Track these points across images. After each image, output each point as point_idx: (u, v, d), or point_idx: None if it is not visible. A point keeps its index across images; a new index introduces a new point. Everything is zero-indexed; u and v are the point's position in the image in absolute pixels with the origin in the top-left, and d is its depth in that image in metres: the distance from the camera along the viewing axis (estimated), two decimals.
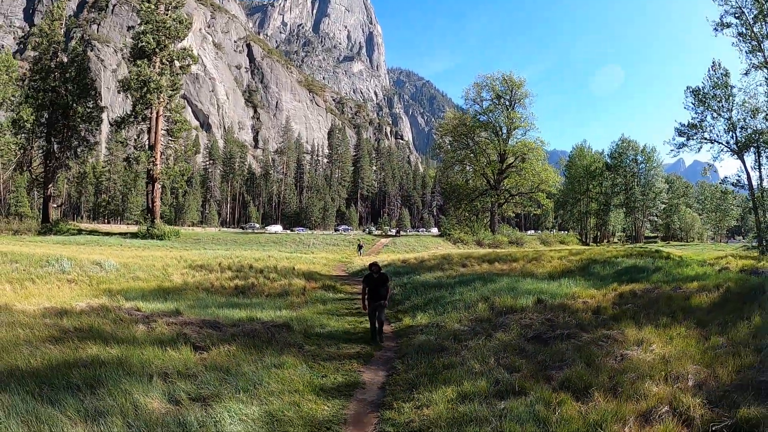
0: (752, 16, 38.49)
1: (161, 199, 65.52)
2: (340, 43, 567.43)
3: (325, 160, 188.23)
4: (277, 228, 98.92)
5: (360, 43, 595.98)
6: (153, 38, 54.80)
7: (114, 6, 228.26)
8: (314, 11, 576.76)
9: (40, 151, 61.46)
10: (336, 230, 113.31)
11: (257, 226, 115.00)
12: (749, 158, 42.31)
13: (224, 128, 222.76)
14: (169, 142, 60.25)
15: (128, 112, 57.76)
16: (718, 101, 43.42)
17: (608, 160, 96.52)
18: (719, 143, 43.44)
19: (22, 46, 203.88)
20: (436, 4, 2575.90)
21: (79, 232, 59.76)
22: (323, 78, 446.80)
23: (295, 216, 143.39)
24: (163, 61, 57.27)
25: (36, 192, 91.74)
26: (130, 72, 56.19)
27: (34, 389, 6.43)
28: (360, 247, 55.80)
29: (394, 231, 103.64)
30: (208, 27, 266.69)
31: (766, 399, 6.03)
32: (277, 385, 7.74)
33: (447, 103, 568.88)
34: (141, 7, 56.62)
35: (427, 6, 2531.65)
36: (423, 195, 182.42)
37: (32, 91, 58.28)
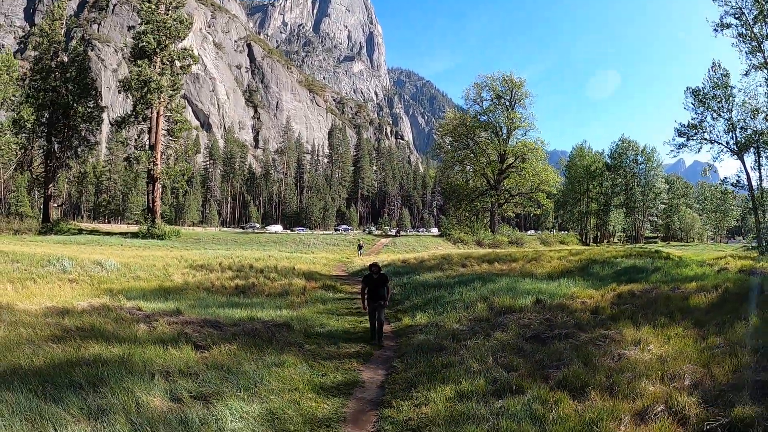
0: (752, 16, 38.56)
1: (162, 198, 65.61)
2: (340, 43, 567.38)
3: (326, 160, 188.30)
4: (278, 228, 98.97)
5: (360, 43, 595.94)
6: (153, 38, 54.85)
7: (114, 6, 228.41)
8: (315, 11, 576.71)
9: (41, 150, 61.48)
10: (336, 230, 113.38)
11: (257, 226, 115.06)
12: (749, 159, 42.42)
13: (225, 128, 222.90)
14: (170, 141, 60.30)
15: (129, 112, 57.83)
16: (718, 102, 43.49)
17: (608, 161, 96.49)
18: (719, 144, 43.53)
19: (22, 45, 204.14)
20: (436, 3, 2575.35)
21: (80, 231, 59.82)
22: (324, 78, 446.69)
23: (296, 216, 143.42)
24: (164, 61, 57.32)
25: (36, 192, 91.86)
26: (130, 72, 56.25)
27: (37, 387, 6.49)
28: (360, 247, 55.85)
29: (394, 231, 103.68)
30: (209, 27, 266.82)
31: (762, 398, 6.07)
32: (277, 384, 7.82)
33: (447, 103, 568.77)
34: (141, 7, 56.67)
35: (428, 6, 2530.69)
36: (423, 195, 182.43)
37: (33, 91, 58.32)
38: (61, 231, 56.42)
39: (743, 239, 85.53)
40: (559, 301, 13.75)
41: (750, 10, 38.62)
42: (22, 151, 58.60)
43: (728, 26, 39.64)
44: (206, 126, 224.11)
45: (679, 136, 45.74)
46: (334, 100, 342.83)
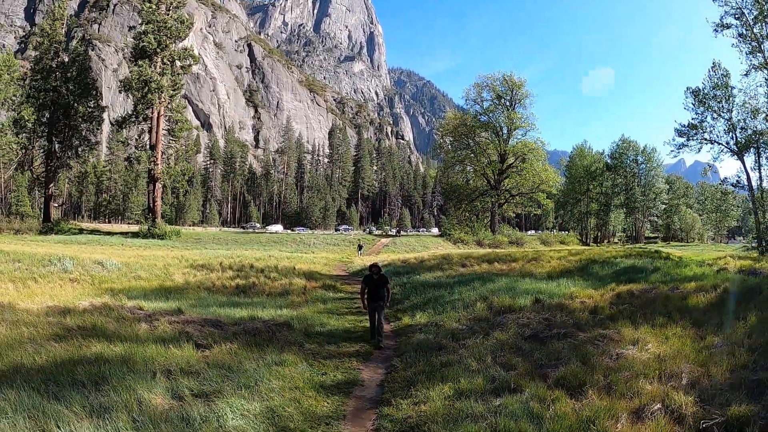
0: (752, 17, 38.48)
1: (162, 198, 65.70)
2: (341, 43, 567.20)
3: (326, 160, 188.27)
4: (278, 228, 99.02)
5: (361, 42, 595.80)
6: (154, 38, 54.90)
7: (115, 6, 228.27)
8: (315, 11, 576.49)
9: (42, 150, 61.54)
10: (336, 230, 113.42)
11: (258, 225, 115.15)
12: (749, 159, 42.30)
13: (225, 128, 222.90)
14: (170, 141, 60.38)
15: (129, 112, 57.88)
16: (718, 102, 43.38)
17: (608, 161, 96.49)
18: (719, 144, 43.42)
19: (23, 45, 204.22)
20: (436, 3, 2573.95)
21: (81, 231, 59.89)
22: (324, 78, 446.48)
23: (296, 216, 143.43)
24: (164, 61, 57.37)
25: (37, 191, 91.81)
26: (131, 72, 56.31)
27: (39, 386, 6.54)
28: (360, 247, 55.96)
29: (394, 231, 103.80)
30: (209, 27, 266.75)
31: (759, 397, 6.12)
32: (278, 382, 7.87)
33: (448, 103, 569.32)
34: (142, 7, 56.73)
35: (428, 6, 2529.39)
36: (423, 195, 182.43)
37: (33, 91, 58.37)
38: (62, 231, 56.48)
39: (743, 239, 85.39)
40: (558, 300, 13.78)
41: (750, 11, 38.58)
42: (23, 150, 58.67)
43: (728, 26, 39.59)
44: (207, 126, 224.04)
45: (679, 136, 45.66)
46: (334, 100, 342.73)
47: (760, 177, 41.78)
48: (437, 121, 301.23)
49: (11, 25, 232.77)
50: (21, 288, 16.62)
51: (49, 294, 15.80)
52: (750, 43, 38.84)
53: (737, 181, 43.91)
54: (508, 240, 71.30)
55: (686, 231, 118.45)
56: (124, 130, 62.72)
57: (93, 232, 61.12)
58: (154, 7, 56.00)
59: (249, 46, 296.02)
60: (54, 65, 59.97)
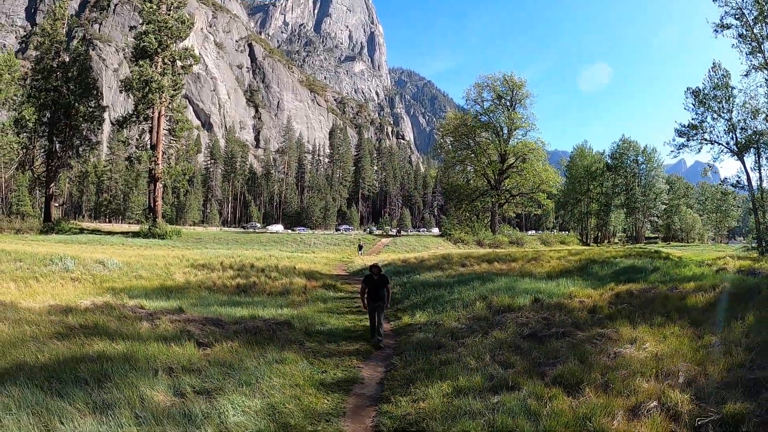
0: (752, 17, 38.53)
1: (163, 198, 65.80)
2: (341, 43, 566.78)
3: (327, 160, 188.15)
4: (278, 228, 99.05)
5: (361, 42, 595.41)
6: (155, 38, 54.93)
7: (116, 6, 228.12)
8: (316, 11, 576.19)
9: (42, 150, 61.58)
10: (337, 230, 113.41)
11: (258, 225, 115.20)
12: (749, 159, 42.36)
13: (226, 128, 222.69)
14: (171, 141, 60.45)
15: (130, 112, 57.90)
16: (719, 102, 43.41)
17: (609, 161, 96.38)
18: (719, 144, 43.47)
19: (23, 45, 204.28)
20: (437, 3, 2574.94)
21: (81, 231, 59.93)
22: (325, 78, 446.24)
23: (296, 216, 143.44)
24: (165, 60, 57.40)
25: (38, 191, 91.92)
26: (132, 72, 56.35)
27: (42, 383, 6.60)
28: (360, 247, 56.05)
29: (394, 231, 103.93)
30: (210, 26, 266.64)
31: (755, 396, 6.17)
32: (278, 380, 7.94)
33: (448, 103, 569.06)
34: (143, 7, 56.73)
35: (429, 6, 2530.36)
36: (424, 195, 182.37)
37: (34, 91, 58.40)
38: (63, 230, 56.53)
39: (743, 240, 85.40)
40: (557, 300, 13.84)
41: (750, 11, 38.62)
42: (24, 150, 58.72)
43: (728, 27, 39.64)
44: (207, 126, 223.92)
45: (680, 136, 45.72)
46: (335, 99, 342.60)
47: (760, 177, 41.83)
48: (438, 121, 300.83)
49: (12, 25, 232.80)
50: (23, 287, 16.69)
51: (50, 293, 15.88)
52: (750, 44, 38.88)
53: (737, 181, 43.96)
54: (509, 240, 71.37)
55: (686, 231, 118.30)
56: (125, 130, 62.78)
57: (94, 231, 61.17)
58: (154, 7, 56.03)
59: (250, 46, 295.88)
60: (55, 65, 60.02)
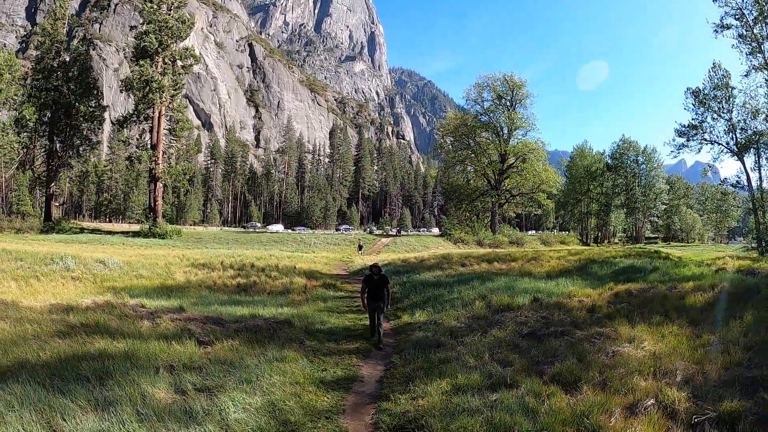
0: (752, 17, 38.54)
1: (163, 198, 65.88)
2: (341, 43, 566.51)
3: (327, 160, 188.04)
4: (279, 227, 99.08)
5: (362, 42, 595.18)
6: (155, 38, 54.94)
7: (116, 5, 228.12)
8: (316, 11, 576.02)
9: (43, 150, 61.61)
10: (337, 230, 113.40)
11: (258, 225, 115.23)
12: (749, 159, 42.38)
13: (226, 128, 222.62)
14: (171, 141, 60.46)
15: (130, 112, 57.88)
16: (719, 102, 43.42)
17: (609, 161, 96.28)
18: (719, 144, 43.48)
19: (24, 45, 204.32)
20: (437, 3, 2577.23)
21: (82, 230, 59.94)
22: (325, 78, 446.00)
23: (297, 215, 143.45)
24: (166, 60, 57.40)
25: (38, 191, 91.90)
26: (132, 72, 56.34)
27: (44, 380, 6.65)
28: (360, 246, 56.07)
29: (395, 231, 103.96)
30: (210, 26, 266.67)
31: (752, 394, 6.20)
32: (278, 378, 8.00)
33: (448, 103, 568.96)
34: (143, 6, 56.71)
35: (429, 6, 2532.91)
36: (424, 195, 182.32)
37: (35, 90, 58.40)
38: (63, 230, 56.56)
39: (743, 240, 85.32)
40: (556, 299, 13.89)
41: (750, 11, 38.63)
42: (24, 150, 58.73)
43: (728, 27, 39.65)
44: (207, 125, 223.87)
45: (679, 136, 45.74)
46: (335, 99, 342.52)
47: (760, 177, 41.85)
48: (438, 121, 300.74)
49: (12, 25, 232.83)
50: (23, 286, 16.75)
51: (51, 292, 15.94)
52: (750, 44, 38.90)
53: (737, 181, 43.99)
54: (509, 240, 71.39)
55: (687, 231, 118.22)
56: (125, 130, 62.68)
57: (94, 231, 61.19)
58: (155, 6, 56.04)
59: (250, 45, 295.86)
60: (55, 65, 60.04)
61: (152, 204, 59.48)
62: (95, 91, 64.17)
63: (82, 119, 61.08)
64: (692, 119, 44.88)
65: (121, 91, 66.44)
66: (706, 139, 44.31)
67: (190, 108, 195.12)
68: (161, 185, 59.60)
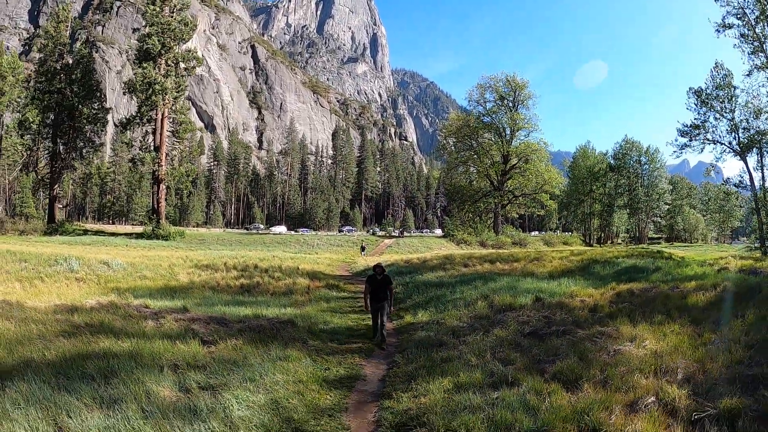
0: (754, 17, 38.47)
1: (166, 199, 65.99)
2: (344, 45, 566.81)
3: (329, 161, 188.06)
4: (282, 229, 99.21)
5: (364, 44, 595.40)
6: (158, 40, 55.14)
7: (118, 8, 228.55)
8: (318, 12, 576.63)
9: (46, 152, 61.89)
10: (340, 231, 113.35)
11: (261, 227, 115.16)
12: (752, 159, 42.33)
13: (228, 129, 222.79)
14: (174, 143, 60.64)
15: (133, 114, 58.11)
16: (721, 102, 43.33)
17: (612, 161, 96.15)
18: (721, 144, 43.39)
19: (27, 47, 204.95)
20: (439, 5, 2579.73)
21: (85, 232, 60.15)
22: (327, 79, 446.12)
23: (299, 217, 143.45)
24: (168, 62, 57.59)
25: (42, 193, 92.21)
26: (135, 74, 56.52)
27: (50, 379, 6.70)
28: (363, 248, 56.10)
29: (397, 232, 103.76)
30: (213, 28, 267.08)
31: (753, 391, 6.21)
32: (282, 376, 8.06)
33: (451, 104, 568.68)
34: (146, 9, 56.96)
35: (431, 7, 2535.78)
36: (427, 196, 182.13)
37: (38, 93, 58.66)
38: (67, 231, 56.77)
39: (747, 240, 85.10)
40: (558, 299, 13.91)
41: (752, 10, 38.55)
42: (28, 152, 59.04)
43: (730, 27, 39.57)
44: (210, 127, 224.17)
45: (682, 136, 45.64)
46: (337, 101, 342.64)
47: (763, 177, 41.81)
48: (440, 122, 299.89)
49: (15, 28, 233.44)
50: (28, 287, 16.84)
51: (56, 293, 16.02)
52: (752, 43, 38.84)
53: (740, 181, 43.87)
54: (511, 241, 71.38)
55: (690, 232, 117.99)
56: (128, 132, 63.05)
57: (97, 233, 61.37)
58: (157, 9, 56.25)
59: (252, 47, 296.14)
60: (58, 67, 60.27)
61: (155, 206, 59.67)
62: (98, 94, 64.45)
63: (85, 121, 61.32)
64: (695, 119, 44.81)
65: (124, 94, 66.72)
66: (708, 139, 44.23)
67: (193, 110, 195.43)
68: (164, 187, 59.81)
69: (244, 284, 21.94)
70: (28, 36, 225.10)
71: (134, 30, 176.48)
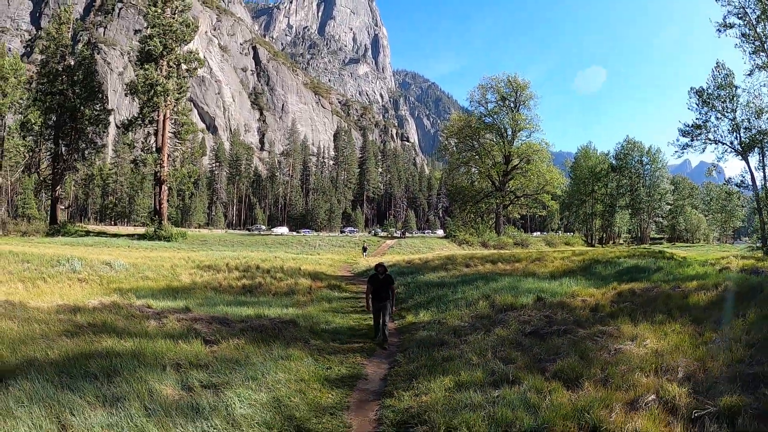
0: (755, 16, 38.46)
1: (168, 201, 66.06)
2: (345, 46, 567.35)
3: (331, 162, 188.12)
4: (284, 230, 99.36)
5: (365, 45, 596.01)
6: (160, 42, 55.24)
7: (120, 9, 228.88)
8: (319, 14, 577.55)
9: (48, 153, 62.08)
10: (342, 232, 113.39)
11: (263, 227, 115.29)
12: (753, 159, 42.33)
13: (230, 130, 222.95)
14: (176, 144, 60.74)
15: (135, 115, 58.24)
16: (722, 102, 43.32)
17: (613, 162, 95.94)
18: (723, 144, 43.40)
19: (29, 49, 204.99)
20: (440, 6, 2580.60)
21: (87, 233, 60.27)
22: (329, 80, 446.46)
23: (301, 218, 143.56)
24: (170, 64, 57.70)
25: (44, 194, 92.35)
26: (137, 75, 56.64)
27: (53, 378, 6.75)
28: (365, 248, 56.08)
29: (399, 233, 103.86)
30: (214, 30, 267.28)
31: (753, 390, 6.22)
32: (284, 375, 8.09)
33: (452, 105, 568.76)
34: (148, 10, 57.05)
35: (432, 8, 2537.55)
36: (429, 197, 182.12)
37: (40, 94, 58.85)
38: (69, 233, 56.90)
39: (749, 240, 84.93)
40: (559, 299, 13.93)
41: (753, 10, 38.52)
42: (30, 153, 59.23)
43: (731, 26, 39.56)
44: (212, 128, 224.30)
45: (683, 136, 45.67)
46: (339, 102, 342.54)
47: (765, 177, 41.80)
48: (442, 122, 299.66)
49: (17, 29, 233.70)
50: (30, 288, 16.92)
51: (58, 293, 16.09)
52: (753, 43, 38.83)
53: (741, 181, 43.86)
54: (513, 241, 71.35)
55: (691, 232, 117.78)
56: (130, 133, 63.01)
57: (99, 234, 61.50)
58: (159, 10, 56.34)
59: (254, 48, 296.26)
60: (60, 69, 60.44)
61: (157, 207, 59.77)
62: (100, 95, 64.65)
63: (87, 123, 61.50)
64: (696, 119, 44.83)
65: (125, 95, 66.96)
66: (710, 139, 44.23)
67: (195, 111, 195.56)
68: (166, 188, 59.89)
69: (246, 285, 22.00)
70: (29, 38, 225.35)
71: (136, 31, 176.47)
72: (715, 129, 43.96)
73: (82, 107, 60.62)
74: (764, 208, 41.56)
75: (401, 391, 7.79)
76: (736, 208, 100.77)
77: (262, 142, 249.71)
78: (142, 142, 59.82)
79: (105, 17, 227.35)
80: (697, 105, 44.67)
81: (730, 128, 42.91)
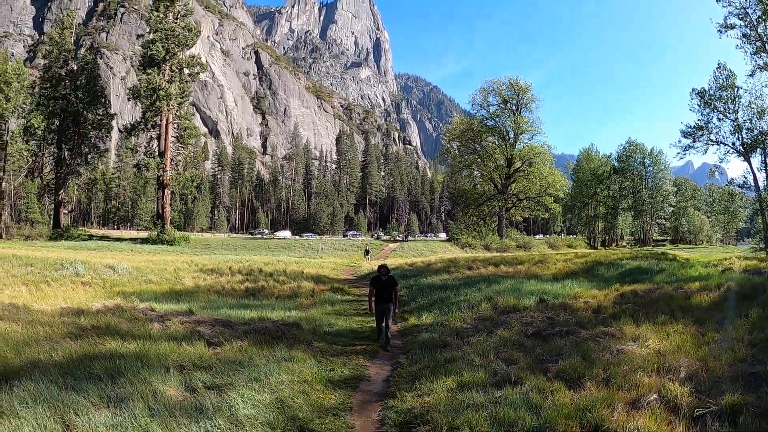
0: (756, 16, 38.38)
1: (171, 205, 66.10)
2: (347, 50, 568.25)
3: (334, 166, 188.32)
4: (286, 233, 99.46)
5: (367, 49, 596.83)
6: (162, 46, 55.34)
7: (123, 14, 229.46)
8: (321, 18, 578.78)
9: (51, 157, 62.22)
10: (344, 236, 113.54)
11: (266, 231, 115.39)
12: (755, 160, 42.25)
13: (233, 135, 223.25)
14: (179, 148, 60.82)
15: (138, 120, 58.37)
16: (724, 103, 43.25)
17: (616, 164, 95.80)
18: (725, 145, 43.32)
19: (31, 54, 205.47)
20: (442, 10, 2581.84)
21: (90, 237, 60.34)
22: (331, 84, 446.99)
23: (304, 222, 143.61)
24: (173, 68, 57.82)
25: (47, 198, 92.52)
26: (139, 80, 56.78)
27: (57, 379, 6.79)
28: (367, 251, 56.13)
29: (402, 236, 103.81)
30: (216, 34, 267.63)
31: (755, 389, 6.23)
32: (287, 376, 8.12)
33: (454, 108, 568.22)
34: (150, 15, 57.16)
35: (434, 12, 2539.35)
36: (431, 200, 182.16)
37: (43, 99, 59.02)
38: (72, 237, 57.01)
39: (752, 241, 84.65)
40: (562, 301, 13.94)
41: (754, 10, 38.45)
42: (33, 158, 59.36)
43: (732, 27, 39.47)
44: (214, 133, 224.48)
45: (685, 137, 45.58)
46: (341, 106, 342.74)
47: (767, 177, 41.74)
48: (444, 126, 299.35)
49: (20, 34, 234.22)
50: (34, 291, 16.98)
51: (62, 296, 16.15)
52: (754, 44, 38.76)
53: (744, 182, 43.79)
54: (516, 244, 71.33)
55: (694, 233, 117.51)
56: (133, 138, 63.14)
57: (102, 238, 61.59)
58: (161, 15, 56.44)
59: (256, 53, 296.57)
60: (63, 73, 60.62)
61: (160, 211, 59.85)
62: (103, 100, 64.80)
63: (90, 127, 61.67)
64: (698, 120, 44.73)
65: (128, 99, 66.98)
66: (712, 140, 44.14)
67: (197, 116, 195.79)
68: (169, 192, 59.97)
69: (249, 288, 22.06)
70: (32, 42, 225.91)
71: (138, 36, 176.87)
72: (717, 130, 43.90)
73: (84, 112, 60.80)
74: (766, 209, 41.47)
75: (404, 392, 7.81)
76: (738, 209, 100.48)
77: (264, 146, 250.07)
78: (145, 147, 59.92)
79: (107, 22, 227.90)
80: (699, 106, 44.60)
81: (732, 129, 42.85)
